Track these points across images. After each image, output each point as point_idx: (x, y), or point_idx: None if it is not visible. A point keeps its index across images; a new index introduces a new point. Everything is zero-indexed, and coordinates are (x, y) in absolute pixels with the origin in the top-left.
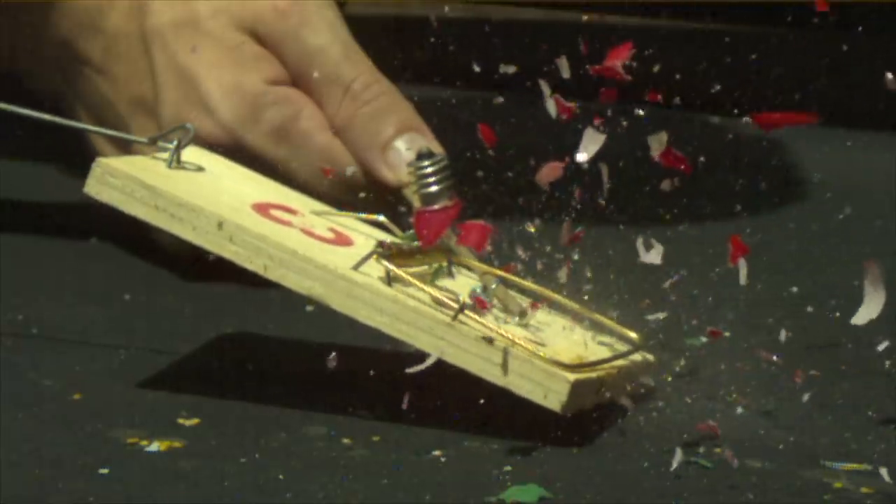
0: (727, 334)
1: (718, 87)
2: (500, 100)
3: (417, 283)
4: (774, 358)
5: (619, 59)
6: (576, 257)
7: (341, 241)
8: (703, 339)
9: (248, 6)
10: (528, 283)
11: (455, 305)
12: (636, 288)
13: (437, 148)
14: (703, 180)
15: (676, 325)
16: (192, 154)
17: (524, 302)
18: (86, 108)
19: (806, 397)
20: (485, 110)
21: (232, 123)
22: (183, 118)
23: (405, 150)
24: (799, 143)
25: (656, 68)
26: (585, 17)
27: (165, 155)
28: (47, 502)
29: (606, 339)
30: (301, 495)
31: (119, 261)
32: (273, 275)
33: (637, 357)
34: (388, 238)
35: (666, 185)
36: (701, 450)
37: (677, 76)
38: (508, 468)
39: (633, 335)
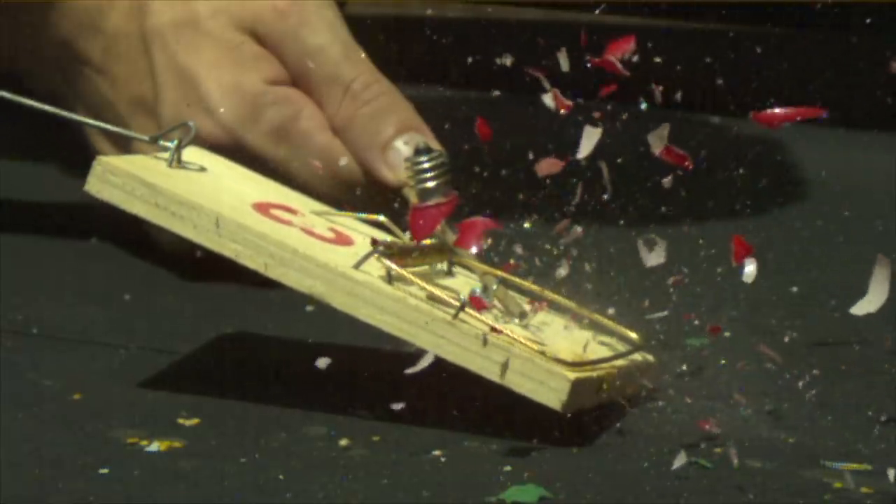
0: (727, 334)
1: (718, 87)
2: (497, 93)
3: (418, 281)
4: (771, 353)
5: (619, 52)
6: (575, 254)
7: (342, 240)
8: (704, 339)
9: (247, 6)
10: (529, 284)
11: (456, 303)
12: (637, 287)
13: (436, 146)
14: (703, 180)
15: (677, 325)
16: (192, 154)
17: (524, 303)
18: (86, 108)
19: (806, 397)
20: (485, 110)
21: (232, 123)
22: (183, 118)
23: (405, 150)
24: (799, 143)
25: (656, 68)
26: (586, 18)
27: (166, 154)
28: (47, 502)
29: (607, 339)
30: (301, 495)
31: (119, 261)
32: (274, 273)
33: (637, 357)
34: (388, 238)
35: (667, 181)
36: (701, 450)
37: (677, 76)
38: (508, 468)
39: (633, 335)
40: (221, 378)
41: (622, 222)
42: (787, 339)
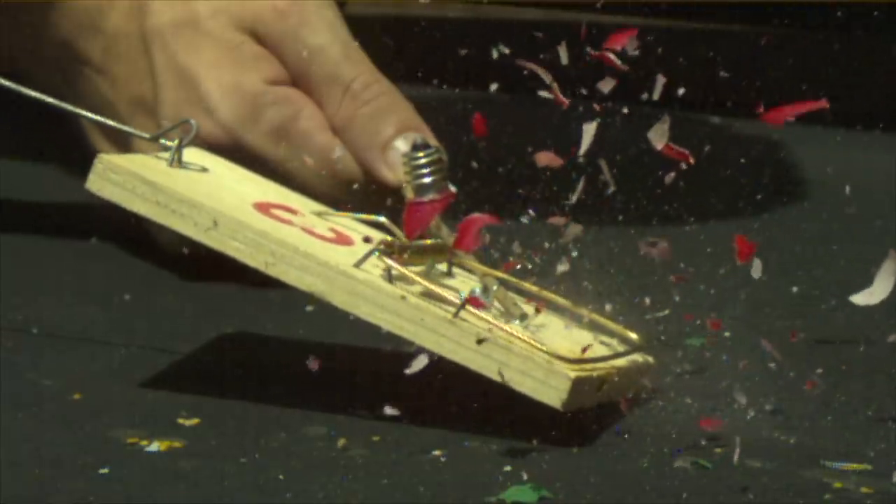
0: (727, 334)
1: (719, 87)
2: (494, 86)
3: (419, 279)
4: (773, 349)
5: (619, 44)
6: (575, 253)
7: (342, 240)
8: (704, 339)
9: (247, 6)
10: (529, 286)
11: (456, 302)
12: (637, 287)
13: (434, 143)
14: (703, 180)
15: (677, 325)
16: (192, 155)
17: (525, 304)
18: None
19: (806, 397)
20: (484, 110)
21: (232, 123)
22: (183, 118)
23: (405, 150)
24: (799, 143)
25: (656, 68)
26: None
27: (167, 154)
28: (47, 502)
29: (607, 339)
30: (301, 495)
31: (119, 261)
32: (274, 271)
33: (637, 358)
34: (388, 237)
35: (669, 177)
36: (701, 450)
37: (677, 76)
38: (508, 468)
39: (633, 336)
40: (221, 378)
41: (623, 221)
42: (787, 339)
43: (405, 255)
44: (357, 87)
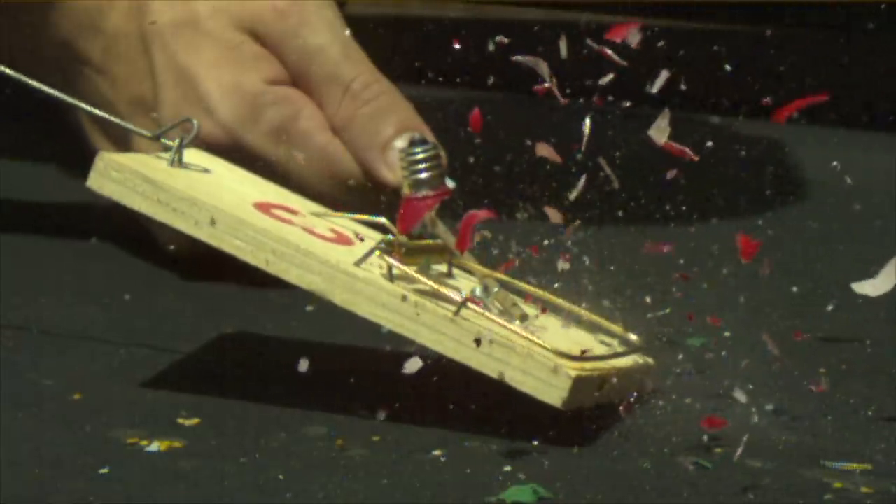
0: (727, 334)
1: (718, 87)
2: (491, 80)
3: (420, 277)
4: (772, 346)
5: (619, 37)
6: (575, 252)
7: (342, 240)
8: (704, 339)
9: (247, 6)
10: (529, 287)
11: (458, 300)
12: (638, 286)
13: (432, 139)
14: (703, 180)
15: (678, 324)
16: (193, 156)
17: (525, 305)
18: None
19: (807, 397)
20: (485, 110)
21: (231, 123)
22: (183, 117)
23: None
24: (799, 143)
25: (656, 68)
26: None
27: (167, 154)
28: (47, 502)
29: (607, 340)
30: (301, 495)
31: (119, 261)
32: (275, 269)
33: (638, 359)
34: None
35: (671, 173)
36: (701, 450)
37: (677, 76)
38: (508, 468)
39: (633, 337)
40: (221, 378)
41: (624, 220)
42: (787, 339)
43: (408, 258)
44: (357, 87)
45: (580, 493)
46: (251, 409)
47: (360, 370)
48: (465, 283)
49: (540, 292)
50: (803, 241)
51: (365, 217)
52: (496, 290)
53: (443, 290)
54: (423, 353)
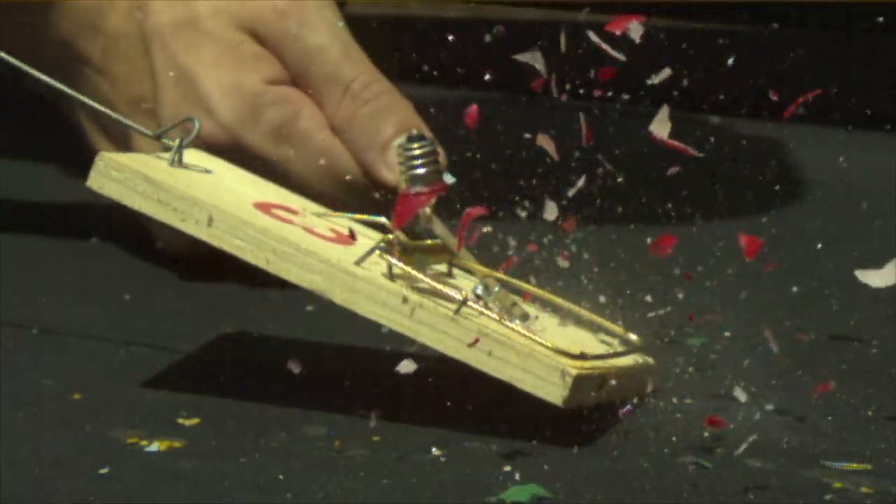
0: (727, 334)
1: (718, 87)
2: (488, 77)
3: (420, 276)
4: (772, 342)
5: (619, 29)
6: (574, 250)
7: (342, 240)
8: (704, 339)
9: (247, 6)
10: (530, 287)
11: (458, 299)
12: (638, 286)
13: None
14: (704, 180)
15: (678, 324)
16: (193, 156)
17: (525, 305)
18: (86, 108)
19: (807, 397)
20: (484, 109)
21: (231, 123)
22: (183, 117)
23: None
24: (799, 143)
25: (656, 68)
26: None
27: (168, 154)
28: (47, 502)
29: (607, 339)
30: (301, 495)
31: (119, 261)
32: (275, 268)
33: (638, 359)
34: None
35: (672, 170)
36: (701, 450)
37: (677, 76)
38: (508, 468)
39: (633, 337)
40: (221, 378)
41: (624, 219)
42: (787, 339)
43: (409, 257)
44: (357, 87)
45: (580, 493)
46: (251, 409)
47: (359, 370)
48: (466, 283)
49: (540, 292)
50: (803, 241)
51: (365, 217)
52: (496, 289)
53: (443, 289)
54: (423, 352)
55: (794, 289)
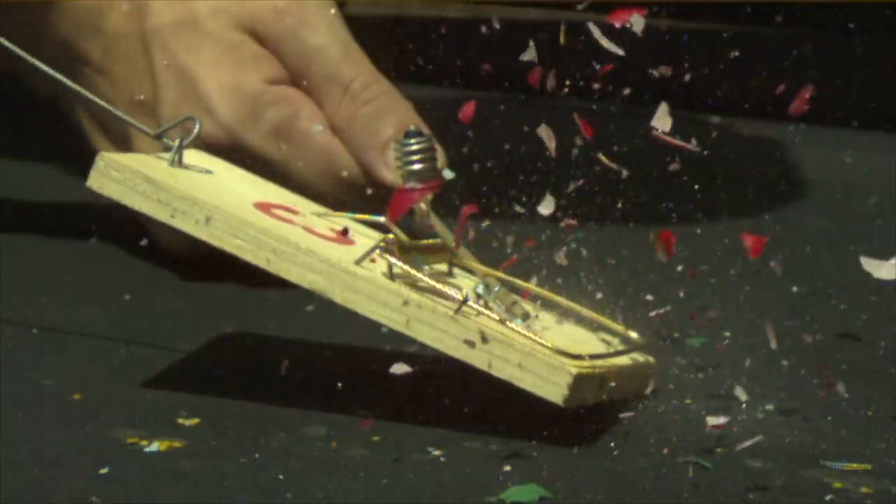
0: (727, 334)
1: (718, 87)
2: (486, 69)
3: (420, 275)
4: (772, 343)
5: (619, 21)
6: (573, 248)
7: (342, 240)
8: (705, 339)
9: (247, 6)
10: (530, 286)
11: (458, 298)
12: (639, 286)
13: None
14: (704, 180)
15: (678, 324)
16: (193, 156)
17: (526, 304)
18: (85, 108)
19: (807, 397)
20: (484, 109)
21: (231, 123)
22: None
23: None
24: (800, 143)
25: (655, 67)
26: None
27: (168, 154)
28: (47, 502)
29: (608, 338)
30: (301, 495)
31: (119, 261)
32: (275, 268)
33: (638, 358)
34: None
35: (674, 166)
36: (701, 450)
37: (678, 75)
38: (508, 468)
39: (634, 336)
40: (221, 378)
41: (625, 219)
42: (787, 339)
43: (409, 257)
44: (357, 87)
45: (580, 493)
46: (251, 409)
47: (359, 370)
48: (466, 282)
49: (541, 291)
50: (803, 241)
51: (365, 217)
52: (497, 288)
53: (443, 288)
54: (422, 352)
55: (795, 288)
